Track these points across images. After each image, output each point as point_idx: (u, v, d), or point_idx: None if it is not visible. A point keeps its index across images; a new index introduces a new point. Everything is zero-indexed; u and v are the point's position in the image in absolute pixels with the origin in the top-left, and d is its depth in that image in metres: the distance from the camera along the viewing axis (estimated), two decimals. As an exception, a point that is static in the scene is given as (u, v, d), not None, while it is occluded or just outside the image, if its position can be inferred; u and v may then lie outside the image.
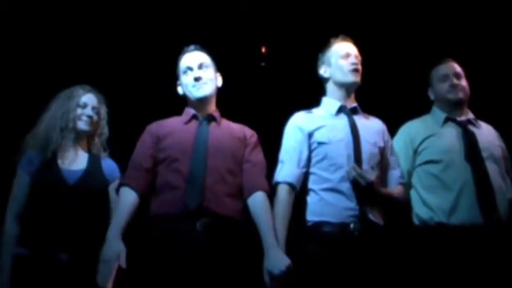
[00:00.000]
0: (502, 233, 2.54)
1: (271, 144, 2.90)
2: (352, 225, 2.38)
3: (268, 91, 3.85)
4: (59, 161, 2.54)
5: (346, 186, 2.42)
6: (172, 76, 2.62)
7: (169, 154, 2.36)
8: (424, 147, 2.70)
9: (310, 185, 2.49)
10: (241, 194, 2.39)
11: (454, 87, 2.74)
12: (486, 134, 2.76)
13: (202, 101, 2.49)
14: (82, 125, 2.59)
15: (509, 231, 2.57)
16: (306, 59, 3.79)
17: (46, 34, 3.58)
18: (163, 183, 2.33)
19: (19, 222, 2.48)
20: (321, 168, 2.48)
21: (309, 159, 2.50)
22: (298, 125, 2.57)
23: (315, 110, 2.66)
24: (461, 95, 2.75)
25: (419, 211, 2.64)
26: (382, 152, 2.57)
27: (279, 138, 2.67)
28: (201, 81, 2.46)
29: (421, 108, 2.90)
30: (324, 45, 2.71)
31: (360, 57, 2.64)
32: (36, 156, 2.53)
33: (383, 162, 2.58)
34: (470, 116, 2.80)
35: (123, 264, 2.15)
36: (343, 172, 2.43)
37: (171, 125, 2.48)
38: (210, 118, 2.50)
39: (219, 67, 2.63)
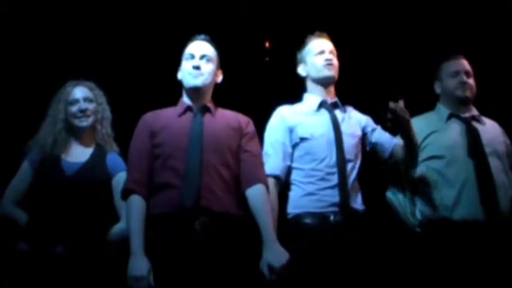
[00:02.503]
0: (504, 228, 2.56)
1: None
2: (332, 217, 2.42)
3: (272, 86, 3.86)
4: (62, 155, 2.56)
5: (329, 179, 2.47)
6: (171, 68, 2.60)
7: (164, 150, 2.33)
8: (428, 143, 2.71)
9: (292, 178, 2.54)
10: (237, 187, 2.37)
11: (463, 84, 2.76)
12: (490, 130, 2.77)
13: (195, 91, 2.45)
14: (79, 122, 2.59)
15: (511, 227, 2.58)
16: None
17: (45, 28, 3.58)
18: (160, 182, 2.30)
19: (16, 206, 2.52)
20: (303, 162, 2.52)
21: (292, 153, 2.55)
22: (281, 119, 2.61)
23: (298, 105, 2.69)
24: (468, 93, 2.77)
25: (423, 207, 2.65)
26: (363, 137, 2.64)
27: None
28: (198, 71, 2.44)
29: (425, 105, 2.90)
30: (300, 43, 2.73)
31: (335, 52, 2.67)
32: (40, 151, 2.57)
33: (368, 142, 2.64)
34: (475, 112, 2.81)
35: (152, 280, 2.16)
36: (325, 165, 2.48)
37: (165, 118, 2.43)
38: (205, 109, 2.46)
39: (223, 62, 2.62)
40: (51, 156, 2.54)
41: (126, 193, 2.32)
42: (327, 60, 2.61)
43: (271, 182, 2.46)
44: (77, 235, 2.42)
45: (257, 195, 2.35)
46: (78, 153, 2.60)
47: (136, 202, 2.28)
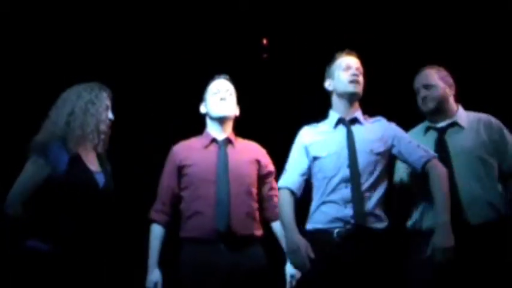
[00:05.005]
0: (469, 236, 2.56)
1: (272, 135, 2.93)
2: (335, 232, 2.53)
3: (270, 83, 3.87)
4: (85, 162, 2.50)
5: (337, 197, 2.57)
6: (168, 67, 2.66)
7: (193, 181, 2.78)
8: None
9: (312, 194, 2.72)
10: (257, 211, 2.83)
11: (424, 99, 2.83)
12: (469, 135, 2.74)
13: (222, 120, 2.86)
14: (106, 127, 2.56)
15: (480, 234, 2.58)
16: (307, 51, 3.80)
17: (48, 33, 3.62)
18: (191, 210, 2.75)
19: (23, 209, 2.38)
20: (316, 179, 2.69)
21: (309, 169, 2.72)
22: (300, 139, 2.78)
23: (322, 124, 2.81)
24: (431, 105, 2.81)
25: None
26: (386, 152, 2.65)
27: (279, 130, 2.72)
28: (224, 102, 2.84)
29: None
30: (329, 58, 2.80)
31: (361, 69, 2.74)
32: (62, 150, 2.45)
33: (398, 156, 2.68)
34: (453, 119, 2.79)
35: None
36: (335, 183, 2.59)
37: (193, 150, 2.85)
38: (228, 141, 2.85)
39: (222, 58, 2.65)
40: (76, 158, 2.47)
41: (149, 219, 2.85)
42: (353, 75, 2.69)
43: (284, 192, 2.69)
44: (105, 243, 2.50)
45: (277, 228, 2.87)
46: (92, 160, 2.55)
47: (156, 230, 2.84)
